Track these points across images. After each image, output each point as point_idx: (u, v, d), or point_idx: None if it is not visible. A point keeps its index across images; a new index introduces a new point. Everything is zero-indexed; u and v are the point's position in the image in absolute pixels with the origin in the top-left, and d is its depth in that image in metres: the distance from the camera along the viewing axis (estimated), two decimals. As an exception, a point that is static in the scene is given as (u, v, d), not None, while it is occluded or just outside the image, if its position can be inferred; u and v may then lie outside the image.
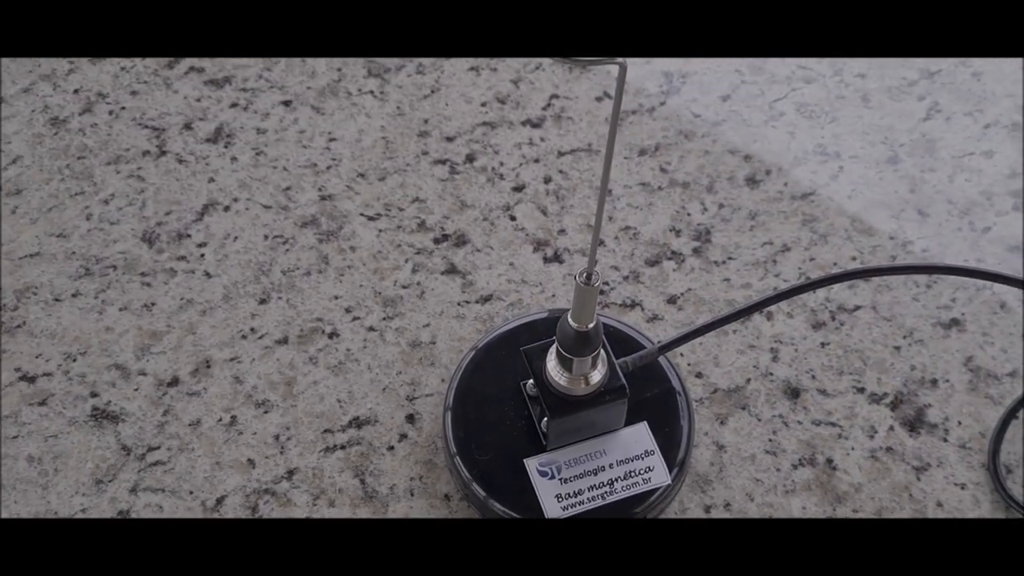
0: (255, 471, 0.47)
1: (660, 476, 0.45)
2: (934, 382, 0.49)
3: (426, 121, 0.58)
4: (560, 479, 0.44)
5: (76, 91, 0.60)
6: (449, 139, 0.58)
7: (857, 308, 0.52)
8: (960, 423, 0.48)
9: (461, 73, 0.60)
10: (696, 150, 0.57)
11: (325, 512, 0.46)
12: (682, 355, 0.50)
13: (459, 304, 0.52)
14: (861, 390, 0.49)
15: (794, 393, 0.49)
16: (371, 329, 0.51)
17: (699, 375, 0.50)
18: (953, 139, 0.58)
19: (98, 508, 0.46)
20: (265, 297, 0.52)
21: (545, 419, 0.44)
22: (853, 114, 0.59)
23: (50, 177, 0.56)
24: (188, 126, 0.58)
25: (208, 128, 0.58)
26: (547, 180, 0.56)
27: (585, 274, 0.38)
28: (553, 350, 0.43)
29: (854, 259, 0.53)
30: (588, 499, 0.44)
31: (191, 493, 0.46)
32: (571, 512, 0.44)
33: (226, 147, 0.57)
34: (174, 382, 0.49)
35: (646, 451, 0.45)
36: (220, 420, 0.48)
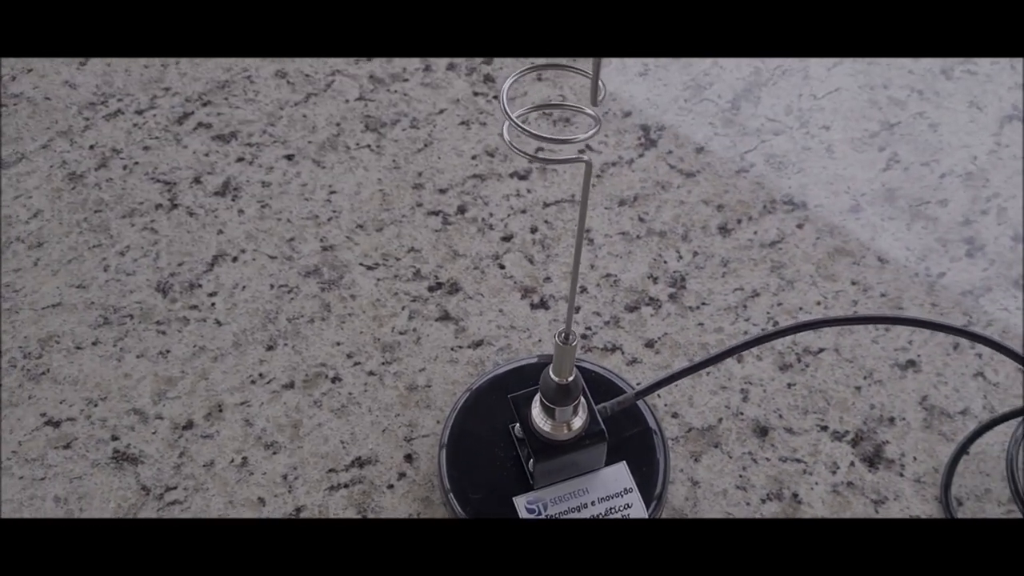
0: (265, 509, 0.51)
1: (638, 511, 0.49)
2: (892, 420, 0.53)
3: (420, 174, 0.62)
4: (547, 516, 0.48)
5: (92, 147, 0.64)
6: (442, 191, 0.62)
7: (821, 351, 0.56)
8: (915, 459, 0.52)
9: (452, 127, 0.65)
10: (672, 200, 0.61)
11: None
12: (659, 396, 0.54)
13: (452, 349, 0.56)
14: (824, 428, 0.53)
15: (763, 431, 0.53)
16: (371, 373, 0.55)
17: (675, 415, 0.54)
18: (911, 188, 0.62)
19: (120, 544, 0.50)
20: (272, 344, 0.56)
21: (531, 460, 0.48)
22: (818, 164, 0.63)
23: (69, 230, 0.60)
24: (197, 180, 0.62)
25: (216, 182, 0.62)
26: (533, 230, 0.60)
27: (563, 334, 0.42)
28: (538, 398, 0.47)
29: (819, 304, 0.57)
30: (572, 534, 0.48)
31: (206, 530, 0.50)
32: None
33: (233, 200, 0.61)
34: (189, 425, 0.53)
35: (625, 489, 0.49)
36: (232, 461, 0.52)
